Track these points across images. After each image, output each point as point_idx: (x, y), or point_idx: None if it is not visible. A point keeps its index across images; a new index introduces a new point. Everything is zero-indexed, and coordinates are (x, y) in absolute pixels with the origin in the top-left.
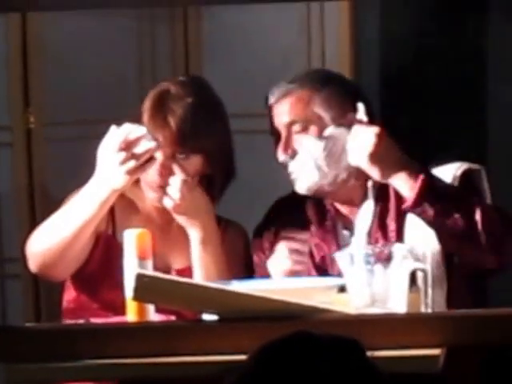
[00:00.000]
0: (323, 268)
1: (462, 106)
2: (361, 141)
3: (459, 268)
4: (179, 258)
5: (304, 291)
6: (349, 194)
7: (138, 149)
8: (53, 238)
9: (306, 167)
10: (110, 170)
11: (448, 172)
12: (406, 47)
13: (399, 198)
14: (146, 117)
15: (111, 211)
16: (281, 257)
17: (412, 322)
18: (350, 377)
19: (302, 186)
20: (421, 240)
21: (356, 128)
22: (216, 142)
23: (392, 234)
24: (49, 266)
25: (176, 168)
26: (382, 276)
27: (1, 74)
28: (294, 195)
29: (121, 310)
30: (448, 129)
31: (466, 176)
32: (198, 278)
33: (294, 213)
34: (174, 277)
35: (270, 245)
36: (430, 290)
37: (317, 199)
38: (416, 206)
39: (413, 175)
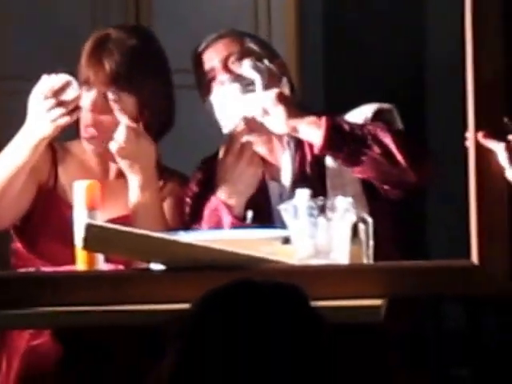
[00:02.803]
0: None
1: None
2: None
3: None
4: (116, 207)
5: (249, 242)
6: (270, 140)
7: (64, 97)
8: None
9: (245, 89)
10: (38, 117)
11: (360, 114)
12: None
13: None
14: (83, 56)
15: (54, 163)
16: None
17: (354, 273)
18: (291, 322)
19: (236, 114)
20: (341, 185)
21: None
22: (152, 87)
23: (312, 182)
24: None
25: (119, 113)
26: (325, 228)
27: None
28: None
29: (57, 261)
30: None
31: (377, 115)
32: (134, 224)
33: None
34: (123, 227)
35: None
36: (371, 242)
37: None
38: (327, 147)
39: (316, 118)
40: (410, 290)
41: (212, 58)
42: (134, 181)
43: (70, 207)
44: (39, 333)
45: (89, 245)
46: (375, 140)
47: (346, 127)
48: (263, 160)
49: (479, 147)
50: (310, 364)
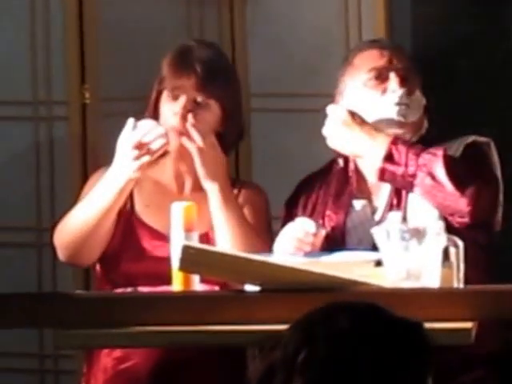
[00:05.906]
0: (333, 239)
1: (487, 88)
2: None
3: None
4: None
5: (343, 265)
6: None
7: (153, 145)
8: (77, 228)
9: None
10: (125, 163)
11: (456, 145)
12: (437, 33)
13: None
14: (170, 67)
15: None
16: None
17: (445, 296)
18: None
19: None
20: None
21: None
22: (232, 95)
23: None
24: (75, 254)
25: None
26: (416, 251)
27: (58, 50)
28: (321, 171)
29: (138, 282)
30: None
31: (469, 148)
32: (221, 238)
33: (316, 186)
34: (219, 249)
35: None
36: (462, 265)
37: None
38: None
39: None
40: (499, 312)
41: (373, 58)
42: (214, 188)
43: (147, 228)
44: (127, 356)
45: (185, 266)
46: (425, 170)
47: (400, 158)
48: (359, 180)
49: None
50: None
